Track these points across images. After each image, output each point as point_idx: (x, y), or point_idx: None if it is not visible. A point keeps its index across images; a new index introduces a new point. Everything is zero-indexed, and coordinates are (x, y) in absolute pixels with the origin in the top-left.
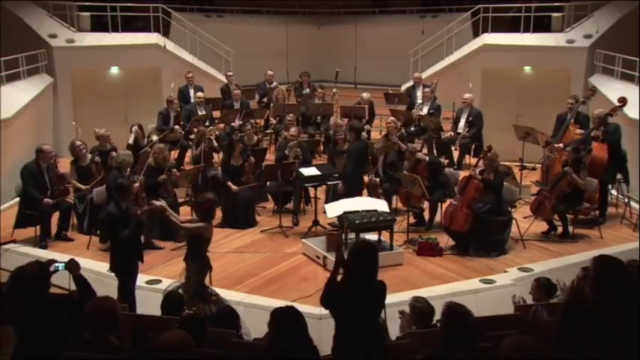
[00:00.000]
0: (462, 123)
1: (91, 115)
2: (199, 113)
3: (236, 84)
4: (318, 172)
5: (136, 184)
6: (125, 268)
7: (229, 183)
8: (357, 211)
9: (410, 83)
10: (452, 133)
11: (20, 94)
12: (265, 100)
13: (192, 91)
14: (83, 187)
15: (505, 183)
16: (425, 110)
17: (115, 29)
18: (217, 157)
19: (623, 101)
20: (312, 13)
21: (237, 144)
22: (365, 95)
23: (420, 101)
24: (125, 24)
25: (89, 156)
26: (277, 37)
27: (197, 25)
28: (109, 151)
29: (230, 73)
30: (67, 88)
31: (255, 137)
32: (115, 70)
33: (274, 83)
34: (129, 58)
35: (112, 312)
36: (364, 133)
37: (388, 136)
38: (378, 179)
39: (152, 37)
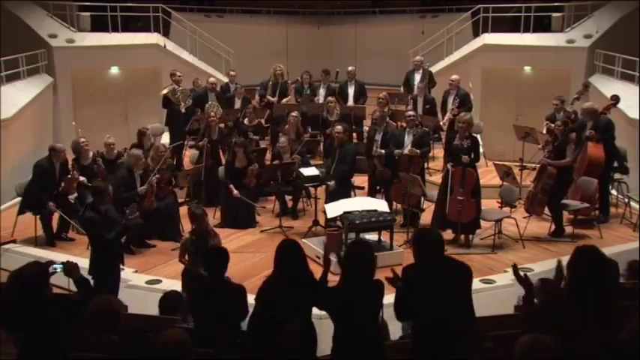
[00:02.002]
0: (449, 105)
1: (91, 115)
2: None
3: (236, 83)
4: (318, 173)
5: (143, 188)
6: (108, 271)
7: (231, 186)
8: (357, 211)
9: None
10: (443, 121)
11: (20, 94)
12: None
13: None
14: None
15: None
16: (420, 103)
17: (115, 29)
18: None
19: (615, 99)
20: (312, 13)
21: (237, 147)
22: (350, 68)
23: (417, 88)
24: (125, 24)
25: (91, 154)
26: (277, 37)
27: (197, 25)
28: (115, 159)
29: (233, 73)
30: (67, 88)
31: (256, 120)
32: (115, 70)
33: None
34: (129, 58)
35: (113, 311)
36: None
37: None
38: (383, 151)
39: (152, 37)
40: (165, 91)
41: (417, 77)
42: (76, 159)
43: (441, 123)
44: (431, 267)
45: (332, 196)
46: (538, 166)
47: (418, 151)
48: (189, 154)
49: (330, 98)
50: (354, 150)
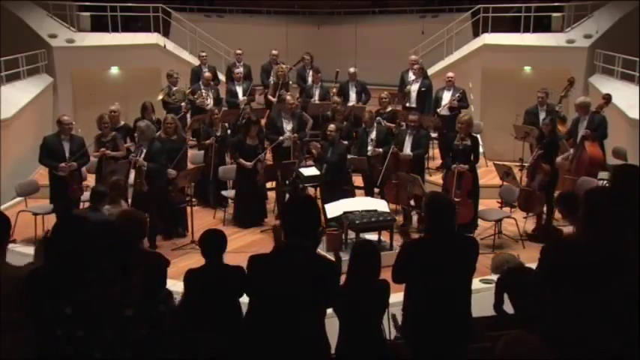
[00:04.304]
0: (445, 101)
1: (91, 115)
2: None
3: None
4: (318, 172)
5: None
6: None
7: (241, 160)
8: (357, 211)
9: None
10: (442, 107)
11: (20, 94)
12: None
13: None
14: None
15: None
16: (415, 88)
17: (115, 29)
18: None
19: (607, 98)
20: (312, 13)
21: (254, 124)
22: (352, 70)
23: (411, 82)
24: (125, 24)
25: (113, 133)
26: (277, 37)
27: (197, 25)
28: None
29: (239, 52)
30: (67, 88)
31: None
32: (115, 70)
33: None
34: (129, 58)
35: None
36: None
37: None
38: (380, 150)
39: (152, 37)
40: (160, 97)
41: (411, 73)
42: (99, 136)
43: (439, 110)
44: (440, 241)
45: (327, 195)
46: (527, 164)
47: (411, 153)
48: (189, 155)
49: (335, 99)
50: (344, 146)
